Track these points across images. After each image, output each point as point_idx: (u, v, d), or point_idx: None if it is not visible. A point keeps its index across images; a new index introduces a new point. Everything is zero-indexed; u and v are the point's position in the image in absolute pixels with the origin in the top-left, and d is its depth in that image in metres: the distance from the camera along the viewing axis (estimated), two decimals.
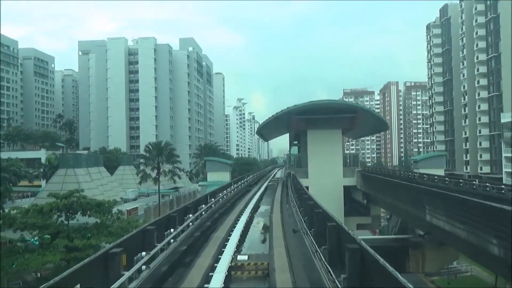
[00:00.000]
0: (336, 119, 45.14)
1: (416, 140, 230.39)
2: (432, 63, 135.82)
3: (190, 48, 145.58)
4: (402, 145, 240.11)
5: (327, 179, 45.55)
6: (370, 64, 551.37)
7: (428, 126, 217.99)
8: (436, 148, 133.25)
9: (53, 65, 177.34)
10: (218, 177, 70.06)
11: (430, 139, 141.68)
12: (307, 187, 36.26)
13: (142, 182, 55.90)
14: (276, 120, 44.96)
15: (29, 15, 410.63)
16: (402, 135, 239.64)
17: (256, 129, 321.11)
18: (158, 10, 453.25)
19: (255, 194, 33.78)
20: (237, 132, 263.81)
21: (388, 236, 39.94)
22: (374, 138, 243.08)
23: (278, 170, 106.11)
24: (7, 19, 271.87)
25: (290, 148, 73.62)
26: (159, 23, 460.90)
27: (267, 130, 52.32)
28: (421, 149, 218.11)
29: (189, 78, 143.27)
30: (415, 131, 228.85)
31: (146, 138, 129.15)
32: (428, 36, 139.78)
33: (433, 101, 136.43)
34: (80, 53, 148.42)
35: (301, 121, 44.65)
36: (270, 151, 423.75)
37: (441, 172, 55.37)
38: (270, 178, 62.47)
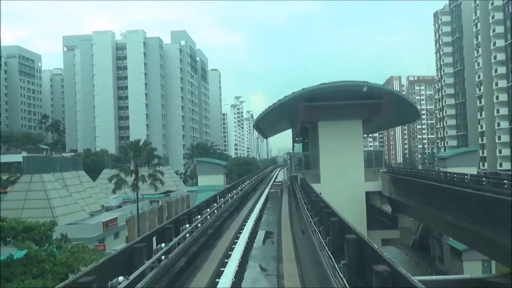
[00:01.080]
0: (356, 106, 34.96)
1: (420, 136, 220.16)
2: (441, 52, 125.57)
3: (183, 42, 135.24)
4: (406, 141, 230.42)
5: (344, 184, 35.39)
6: (371, 63, 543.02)
7: (433, 121, 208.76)
8: (447, 143, 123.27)
9: (40, 64, 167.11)
10: (211, 180, 59.85)
11: (440, 134, 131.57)
12: (309, 185, 26.52)
13: (116, 189, 45.74)
14: (278, 109, 34.75)
15: (26, 16, 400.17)
16: (405, 132, 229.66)
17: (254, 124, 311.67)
18: (156, 10, 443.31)
19: (251, 211, 23.51)
20: (235, 131, 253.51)
21: (456, 276, 29.61)
22: (376, 134, 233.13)
23: (279, 171, 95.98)
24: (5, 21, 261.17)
25: (293, 146, 63.16)
26: (157, 23, 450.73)
27: (267, 123, 42.08)
28: (425, 145, 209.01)
29: (182, 73, 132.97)
30: (419, 127, 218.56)
31: (136, 138, 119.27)
32: (436, 25, 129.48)
33: (443, 94, 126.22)
34: (65, 49, 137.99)
35: (310, 110, 34.42)
36: (269, 150, 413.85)
37: (473, 170, 45.29)
38: (271, 181, 52.21)
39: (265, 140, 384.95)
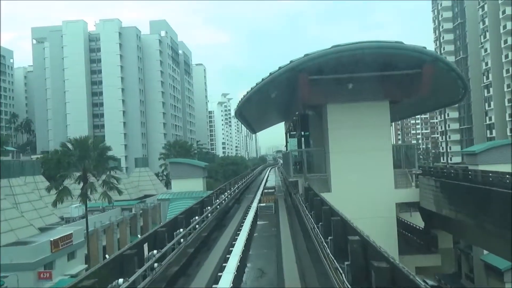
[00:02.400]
0: (381, 80, 23.95)
1: (414, 132, 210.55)
2: (441, 40, 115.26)
3: (163, 32, 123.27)
4: (399, 137, 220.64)
5: (366, 194, 24.39)
6: None
7: (427, 115, 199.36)
8: (450, 138, 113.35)
9: (11, 60, 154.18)
10: (187, 185, 48.53)
11: (441, 128, 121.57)
12: (321, 200, 15.80)
13: (58, 202, 34.22)
14: (268, 87, 23.51)
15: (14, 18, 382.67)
16: (399, 126, 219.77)
17: (244, 130, 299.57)
18: (140, 10, 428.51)
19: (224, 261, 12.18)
20: (223, 129, 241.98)
21: None
22: None
23: (269, 170, 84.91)
24: None
25: (286, 142, 51.91)
26: (141, 23, 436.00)
27: (253, 109, 31.14)
28: (420, 141, 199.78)
29: (163, 66, 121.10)
30: (413, 121, 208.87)
31: (112, 138, 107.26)
32: (435, 11, 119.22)
33: None
34: (34, 41, 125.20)
35: (316, 86, 23.30)
36: (258, 149, 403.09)
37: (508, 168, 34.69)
38: (261, 185, 41.05)
39: (254, 138, 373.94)
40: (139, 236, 55.37)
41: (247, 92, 25.37)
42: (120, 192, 38.32)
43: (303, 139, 38.63)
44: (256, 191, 35.01)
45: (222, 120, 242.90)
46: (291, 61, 22.65)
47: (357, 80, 24.17)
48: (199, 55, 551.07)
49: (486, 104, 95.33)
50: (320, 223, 13.69)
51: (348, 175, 24.99)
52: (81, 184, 35.29)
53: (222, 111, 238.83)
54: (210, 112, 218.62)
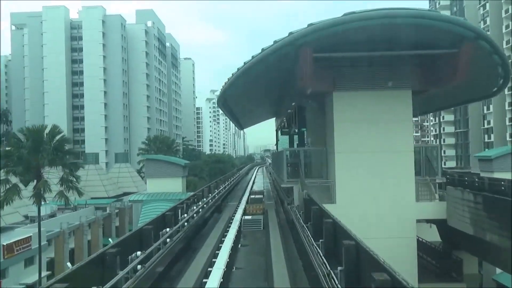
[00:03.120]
0: (405, 62, 18.60)
1: None
2: None
3: (149, 23, 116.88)
4: None
5: (380, 207, 19.09)
6: None
7: (417, 118, 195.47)
8: (444, 141, 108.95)
9: None
10: (165, 186, 42.89)
11: (435, 131, 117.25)
12: (333, 224, 10.43)
13: (4, 203, 28.25)
14: (259, 67, 17.95)
15: None
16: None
17: (231, 124, 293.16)
18: (132, 5, 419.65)
19: None
20: (211, 126, 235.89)
21: None
22: None
23: (257, 170, 79.41)
24: None
25: (277, 140, 46.60)
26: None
27: (241, 97, 25.17)
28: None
29: (148, 58, 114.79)
30: None
31: (92, 131, 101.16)
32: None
33: None
34: (13, 27, 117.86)
35: (320, 68, 17.88)
36: (246, 148, 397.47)
37: None
38: (247, 188, 35.51)
39: (242, 136, 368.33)
40: (110, 240, 49.44)
41: (232, 75, 19.80)
42: (80, 193, 32.37)
43: (296, 136, 33.25)
44: (241, 196, 29.49)
45: (210, 117, 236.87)
46: (290, 33, 17.12)
47: (374, 60, 18.78)
48: (201, 54, 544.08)
49: (485, 107, 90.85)
50: (339, 268, 8.25)
51: (357, 183, 19.58)
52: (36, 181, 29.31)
53: (210, 107, 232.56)
54: (198, 109, 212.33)
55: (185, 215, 15.86)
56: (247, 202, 25.22)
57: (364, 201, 19.31)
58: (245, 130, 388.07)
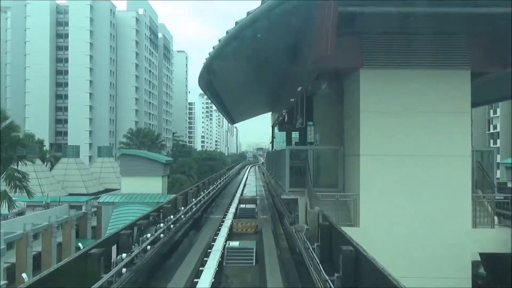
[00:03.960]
0: (466, 32, 12.89)
1: None
2: None
3: (141, 10, 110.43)
4: None
5: (422, 234, 13.19)
6: None
7: None
8: None
9: None
10: (142, 185, 36.99)
11: None
12: (355, 256, 4.91)
13: None
14: (255, 32, 12.11)
15: None
16: None
17: (225, 119, 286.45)
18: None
19: None
20: (203, 122, 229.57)
21: None
22: None
23: (249, 170, 73.47)
24: None
25: (272, 137, 40.80)
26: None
27: (227, 75, 18.87)
28: None
29: (138, 48, 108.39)
30: None
31: (76, 122, 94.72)
32: None
33: None
34: None
35: (344, 35, 11.96)
36: (239, 145, 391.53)
37: None
38: (237, 192, 29.52)
39: (235, 133, 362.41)
40: (80, 245, 43.34)
41: (219, 41, 13.84)
42: (30, 194, 26.21)
43: (297, 133, 27.38)
44: (228, 204, 23.58)
45: (203, 112, 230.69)
46: None
47: (420, 24, 12.93)
48: (195, 49, 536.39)
49: (491, 111, 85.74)
50: None
51: (391, 198, 13.79)
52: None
53: (203, 103, 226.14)
54: (190, 104, 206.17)
55: (149, 235, 10.13)
56: (235, 215, 19.35)
57: (399, 224, 13.49)
58: (238, 127, 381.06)
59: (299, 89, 19.53)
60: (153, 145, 63.06)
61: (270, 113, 43.90)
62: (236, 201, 24.69)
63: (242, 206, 21.97)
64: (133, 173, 36.33)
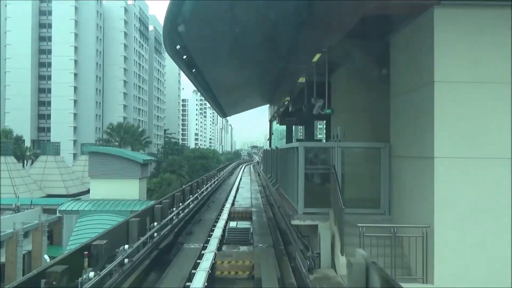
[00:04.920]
0: None
1: None
2: None
3: (130, 1, 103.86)
4: None
5: None
6: None
7: None
8: None
9: None
10: (115, 189, 30.88)
11: None
12: None
13: None
14: None
15: None
16: None
17: (221, 118, 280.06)
18: None
19: None
20: (197, 119, 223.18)
21: None
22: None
23: (243, 169, 67.79)
24: None
25: (270, 134, 34.71)
26: None
27: (207, 37, 12.61)
28: None
29: (127, 39, 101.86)
30: None
31: (60, 118, 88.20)
32: None
33: None
34: None
35: None
36: (234, 143, 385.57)
37: None
38: (227, 206, 23.28)
39: (229, 131, 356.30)
40: (46, 258, 37.22)
41: None
42: None
43: (302, 128, 21.46)
44: (214, 220, 17.58)
45: (196, 109, 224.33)
46: None
47: None
48: None
49: None
50: None
51: (489, 235, 7.73)
52: None
53: (197, 100, 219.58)
54: (184, 100, 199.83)
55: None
56: (221, 241, 13.38)
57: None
58: (233, 125, 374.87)
59: (314, 59, 13.39)
60: (136, 142, 56.65)
61: (268, 105, 37.90)
62: (225, 214, 18.66)
63: (233, 225, 15.90)
64: (104, 175, 30.17)
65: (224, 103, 31.22)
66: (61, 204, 31.98)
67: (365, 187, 10.81)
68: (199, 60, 14.54)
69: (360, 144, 11.06)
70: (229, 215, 18.63)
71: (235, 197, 26.36)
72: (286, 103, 23.72)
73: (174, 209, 17.10)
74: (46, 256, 32.02)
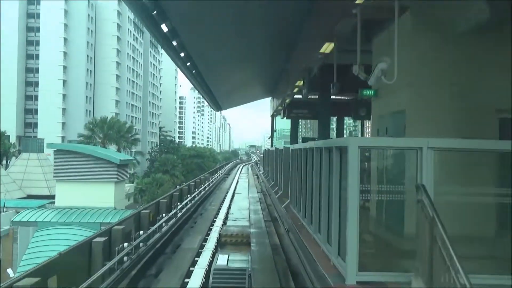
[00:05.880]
0: None
1: None
2: None
3: None
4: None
5: None
6: None
7: None
8: None
9: None
10: (85, 196, 25.43)
11: None
12: None
13: None
14: None
15: None
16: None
17: (219, 116, 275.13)
18: None
19: None
20: (194, 117, 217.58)
21: None
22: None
23: (241, 170, 62.51)
24: None
25: (272, 130, 29.12)
26: None
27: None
28: None
29: (120, 32, 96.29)
30: None
31: (48, 113, 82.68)
32: None
33: None
34: None
35: None
36: (232, 142, 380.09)
37: None
38: (218, 222, 17.89)
39: (227, 130, 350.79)
40: (9, 272, 31.95)
41: None
42: None
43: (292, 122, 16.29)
44: (198, 250, 12.29)
45: (194, 107, 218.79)
46: None
47: None
48: None
49: None
50: None
51: None
52: None
53: (195, 97, 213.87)
54: (181, 98, 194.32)
55: None
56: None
57: None
58: (231, 124, 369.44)
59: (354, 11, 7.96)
60: (122, 139, 50.96)
61: (270, 98, 32.52)
62: (213, 239, 13.31)
63: (222, 261, 10.57)
64: (72, 178, 24.78)
65: (218, 93, 25.88)
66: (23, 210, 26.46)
67: (487, 230, 5.48)
68: (183, 30, 9.22)
69: (482, 144, 5.59)
70: (218, 240, 13.26)
71: (229, 208, 20.98)
72: (296, 90, 18.37)
73: (142, 232, 11.89)
74: (9, 271, 26.86)
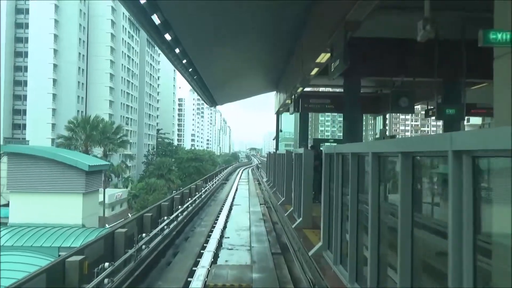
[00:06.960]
0: None
1: (397, 127, 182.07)
2: None
3: None
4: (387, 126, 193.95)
5: None
6: None
7: (418, 106, 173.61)
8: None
9: None
10: (46, 211, 20.13)
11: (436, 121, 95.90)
12: None
13: None
14: None
15: None
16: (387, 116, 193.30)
17: (219, 118, 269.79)
18: None
19: None
20: (193, 119, 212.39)
21: None
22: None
23: (240, 175, 57.69)
24: None
25: (277, 129, 23.72)
26: None
27: None
28: (409, 133, 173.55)
29: (114, 28, 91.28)
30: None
31: (37, 113, 77.58)
32: None
33: None
34: None
35: None
36: (232, 145, 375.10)
37: None
38: (210, 247, 12.80)
39: (227, 133, 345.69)
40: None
41: None
42: None
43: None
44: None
45: (193, 109, 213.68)
46: None
47: None
48: None
49: None
50: None
51: None
52: None
53: (194, 99, 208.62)
54: (180, 100, 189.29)
55: None
56: None
57: None
58: (231, 127, 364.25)
59: None
60: (107, 140, 45.60)
61: (275, 92, 27.45)
62: (203, 275, 8.09)
63: None
64: (29, 188, 19.70)
65: (212, 84, 20.77)
66: None
67: None
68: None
69: None
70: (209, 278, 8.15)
71: (224, 229, 15.89)
72: (314, 72, 13.28)
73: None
74: None
